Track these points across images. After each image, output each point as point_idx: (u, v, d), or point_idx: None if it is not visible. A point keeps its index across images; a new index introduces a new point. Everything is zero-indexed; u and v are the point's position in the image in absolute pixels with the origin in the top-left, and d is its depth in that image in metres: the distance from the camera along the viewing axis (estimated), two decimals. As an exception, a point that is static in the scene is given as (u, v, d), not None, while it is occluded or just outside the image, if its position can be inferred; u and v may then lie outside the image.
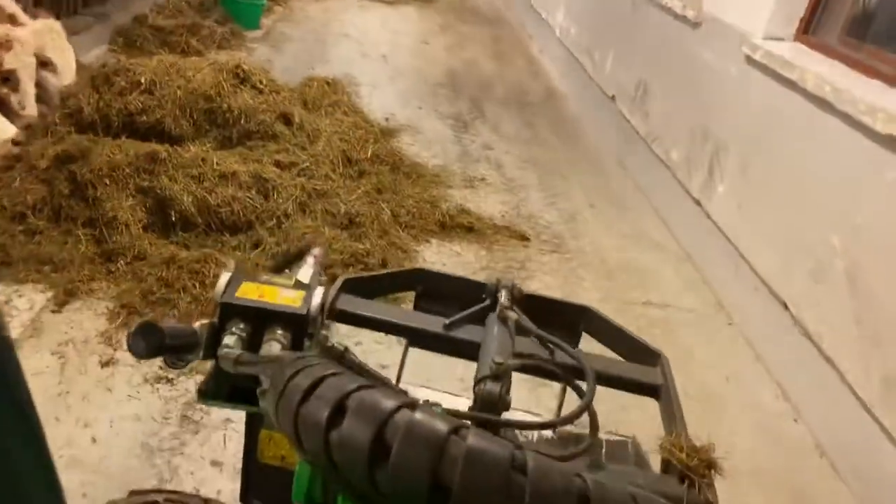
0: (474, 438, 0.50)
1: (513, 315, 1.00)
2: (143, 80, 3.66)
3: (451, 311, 1.08)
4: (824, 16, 3.58)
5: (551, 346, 1.00)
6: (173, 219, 3.13)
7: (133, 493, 1.03)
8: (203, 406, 2.35)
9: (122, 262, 2.94)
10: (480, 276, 3.50)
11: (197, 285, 2.84)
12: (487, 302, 1.08)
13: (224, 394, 0.83)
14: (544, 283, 3.50)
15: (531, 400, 2.43)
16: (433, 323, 1.06)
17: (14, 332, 2.55)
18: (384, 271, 1.23)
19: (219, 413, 2.33)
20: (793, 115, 3.27)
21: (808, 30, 3.61)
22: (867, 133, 2.75)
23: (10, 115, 3.52)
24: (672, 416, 0.98)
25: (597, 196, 4.62)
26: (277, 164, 3.58)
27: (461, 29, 8.40)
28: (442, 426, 0.50)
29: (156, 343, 0.72)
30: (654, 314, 3.43)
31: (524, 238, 3.87)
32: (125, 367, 2.48)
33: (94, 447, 2.19)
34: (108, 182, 3.11)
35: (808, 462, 2.74)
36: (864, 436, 2.60)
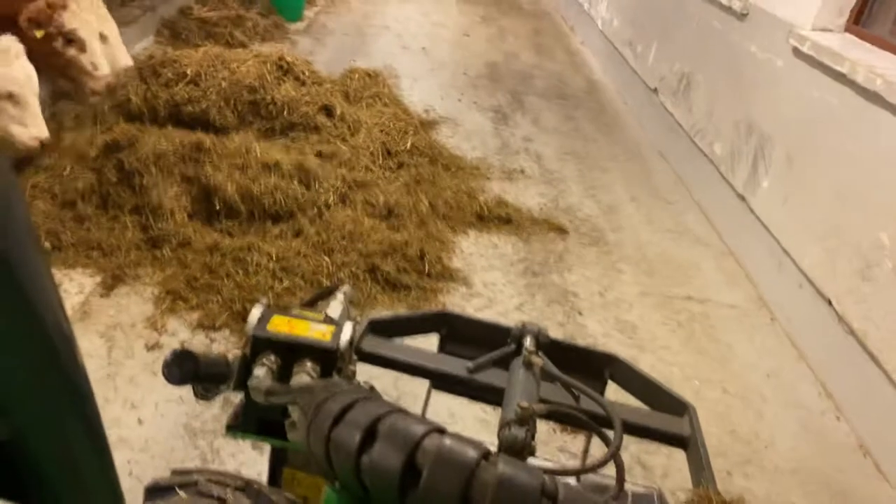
0: (504, 465, 0.50)
1: (538, 360, 1.00)
2: (188, 72, 3.73)
3: (475, 353, 1.07)
4: (877, 5, 3.49)
5: (578, 392, 1.00)
6: (217, 207, 3.18)
7: (175, 472, 1.05)
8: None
9: (167, 248, 3.00)
10: (518, 268, 3.49)
11: (240, 272, 2.89)
12: (512, 347, 1.07)
13: (252, 427, 0.83)
14: (582, 276, 3.48)
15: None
16: (457, 366, 1.06)
17: (64, 314, 2.63)
18: (409, 313, 1.23)
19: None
20: (841, 109, 3.19)
21: (859, 20, 3.52)
22: (919, 126, 2.68)
23: (86, 77, 3.42)
24: (700, 467, 0.96)
25: (638, 189, 4.57)
26: (319, 154, 3.61)
27: (502, 21, 8.37)
28: (472, 452, 0.51)
29: (190, 370, 0.73)
30: (694, 309, 3.40)
31: (562, 230, 3.85)
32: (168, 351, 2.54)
33: (141, 428, 2.25)
34: (154, 170, 3.17)
35: (852, 461, 2.69)
36: (910, 436, 2.54)
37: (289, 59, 4.08)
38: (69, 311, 2.64)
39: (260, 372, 0.76)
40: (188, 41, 5.26)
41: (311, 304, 0.96)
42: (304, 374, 0.77)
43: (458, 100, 5.56)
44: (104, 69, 3.43)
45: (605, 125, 5.65)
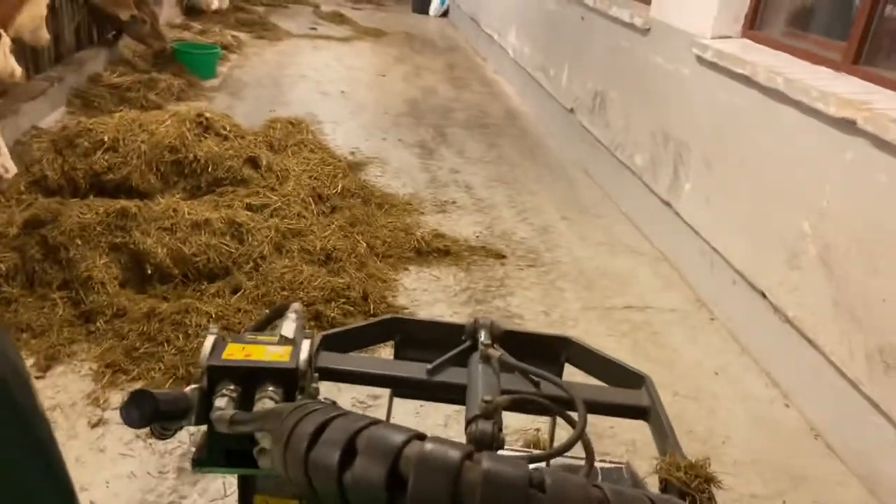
0: (489, 462, 0.50)
1: (495, 353, 1.00)
2: (105, 139, 3.65)
3: (432, 355, 1.07)
4: (768, 10, 3.70)
5: (537, 379, 1.01)
6: (149, 272, 3.10)
7: None
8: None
9: (101, 321, 2.90)
10: (462, 298, 3.52)
11: (180, 336, 2.82)
12: (468, 343, 1.07)
13: (220, 459, 0.81)
14: (525, 297, 3.52)
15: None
16: (416, 370, 1.06)
17: (-2, 403, 2.51)
18: (360, 324, 1.22)
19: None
20: (749, 109, 3.35)
21: (753, 25, 3.72)
22: (822, 118, 2.83)
23: None
24: (664, 435, 0.99)
25: (567, 208, 4.67)
26: (249, 207, 3.57)
27: (416, 59, 8.50)
28: (455, 453, 0.51)
29: (150, 410, 0.71)
30: (636, 318, 3.47)
31: (500, 256, 3.90)
32: (116, 426, 2.45)
33: (92, 510, 2.15)
34: (79, 242, 3.08)
35: (805, 444, 2.78)
36: (854, 412, 2.64)
37: (208, 115, 4.04)
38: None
39: (221, 402, 0.74)
40: (101, 108, 5.14)
41: (262, 327, 0.94)
42: (267, 399, 0.75)
43: (383, 139, 5.60)
44: (13, 170, 3.57)
45: (528, 149, 5.77)
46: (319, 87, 6.86)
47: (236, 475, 0.96)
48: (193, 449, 0.82)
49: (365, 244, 3.63)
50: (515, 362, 1.00)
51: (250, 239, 3.33)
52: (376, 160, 5.06)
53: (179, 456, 2.34)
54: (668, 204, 4.07)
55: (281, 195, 3.74)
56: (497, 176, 5.10)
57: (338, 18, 10.33)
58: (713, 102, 3.66)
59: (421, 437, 0.53)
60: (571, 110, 5.70)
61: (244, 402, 0.75)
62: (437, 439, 0.53)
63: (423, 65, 8.26)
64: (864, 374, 2.60)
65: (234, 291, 3.12)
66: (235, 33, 8.29)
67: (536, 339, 1.18)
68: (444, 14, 11.48)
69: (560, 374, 1.15)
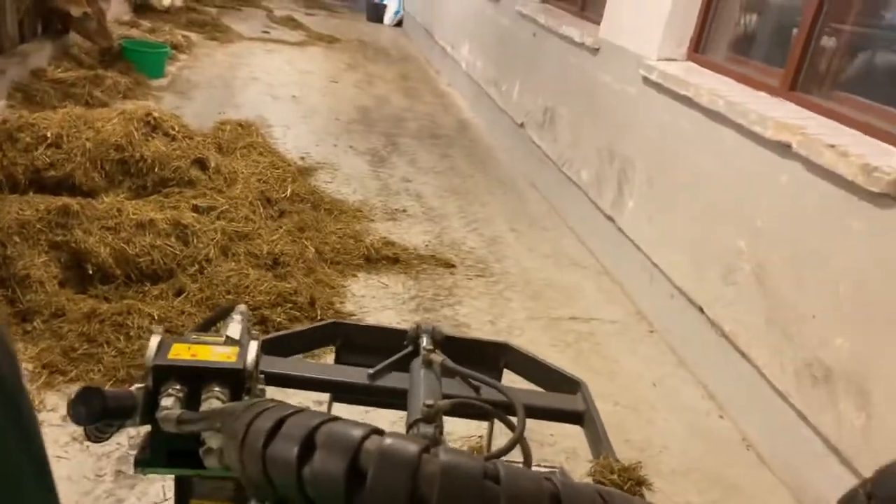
0: (446, 455, 0.52)
1: (437, 358, 1.02)
2: (49, 134, 3.57)
3: (373, 361, 1.09)
4: (712, 34, 3.84)
5: (478, 384, 1.03)
6: (90, 272, 3.04)
7: None
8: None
9: (38, 320, 2.82)
10: (410, 305, 3.53)
11: (121, 338, 2.76)
12: (410, 348, 1.10)
13: (161, 460, 0.80)
14: (473, 307, 3.56)
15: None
16: (357, 375, 1.08)
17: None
18: (301, 328, 1.23)
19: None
20: (691, 129, 3.47)
21: (698, 49, 3.85)
22: (759, 141, 2.95)
23: None
24: (598, 439, 1.03)
25: (516, 220, 4.74)
26: (195, 209, 3.53)
27: (368, 67, 8.51)
28: (413, 447, 0.52)
29: (98, 408, 0.70)
30: (580, 328, 3.54)
31: (449, 265, 3.93)
32: (51, 428, 2.39)
33: (24, 514, 2.09)
34: (17, 239, 3.00)
35: (737, 455, 2.87)
36: (783, 424, 2.75)
37: (156, 114, 3.98)
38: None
39: (168, 402, 0.74)
40: (44, 104, 5.01)
41: (206, 327, 0.94)
42: (214, 399, 0.75)
43: (334, 145, 5.59)
44: None
45: (479, 161, 5.84)
46: (271, 90, 6.81)
47: (173, 479, 0.96)
48: (133, 452, 0.81)
49: (313, 249, 3.62)
50: (457, 367, 1.03)
51: (196, 241, 3.29)
52: (326, 166, 5.05)
53: (117, 459, 2.30)
54: (611, 219, 4.17)
55: (228, 198, 3.71)
56: (448, 186, 5.14)
57: (291, 23, 10.28)
58: (657, 122, 3.77)
59: (379, 432, 0.54)
60: (522, 125, 5.78)
61: (190, 402, 0.75)
62: (395, 434, 0.54)
63: (375, 73, 8.28)
64: (794, 388, 2.71)
65: (178, 294, 3.08)
66: (186, 33, 8.18)
67: (476, 344, 1.23)
68: (399, 24, 11.52)
69: (499, 379, 1.19)
